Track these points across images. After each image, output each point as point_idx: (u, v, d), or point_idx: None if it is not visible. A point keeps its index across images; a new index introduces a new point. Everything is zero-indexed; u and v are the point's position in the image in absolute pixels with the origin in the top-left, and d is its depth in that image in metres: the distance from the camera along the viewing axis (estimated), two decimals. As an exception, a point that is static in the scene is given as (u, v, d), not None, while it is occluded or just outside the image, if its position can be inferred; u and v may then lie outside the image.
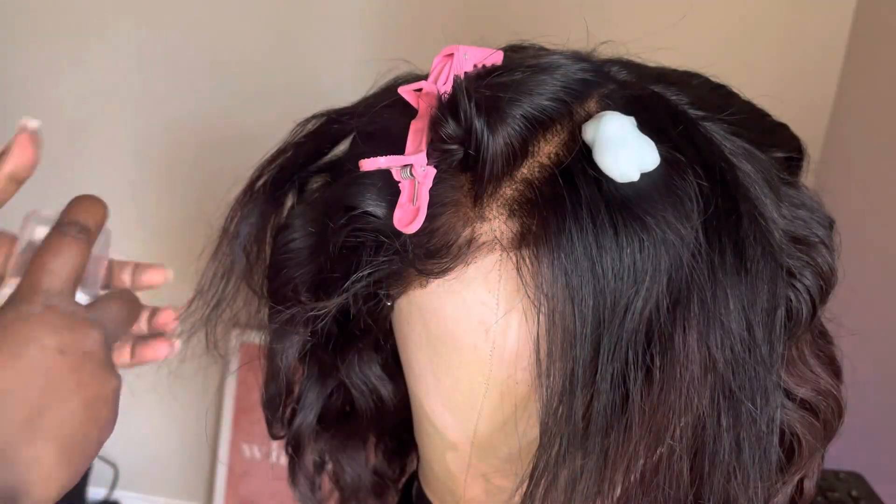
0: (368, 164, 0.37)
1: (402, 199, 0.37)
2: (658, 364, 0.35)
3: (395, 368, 0.48)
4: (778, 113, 0.44)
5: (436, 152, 0.37)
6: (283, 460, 0.54)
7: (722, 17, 1.14)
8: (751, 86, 0.45)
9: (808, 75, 1.13)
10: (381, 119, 0.40)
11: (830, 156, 1.10)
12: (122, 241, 1.60)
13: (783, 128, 0.43)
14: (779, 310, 0.37)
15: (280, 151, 0.45)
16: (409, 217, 0.37)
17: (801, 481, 0.44)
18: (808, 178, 0.43)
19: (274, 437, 0.52)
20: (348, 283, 0.39)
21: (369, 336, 0.46)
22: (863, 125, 1.08)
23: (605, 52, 0.43)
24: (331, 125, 0.44)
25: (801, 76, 1.13)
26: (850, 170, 1.08)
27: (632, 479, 0.37)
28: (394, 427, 0.53)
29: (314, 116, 0.45)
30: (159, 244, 1.38)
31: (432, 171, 0.37)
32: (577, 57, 0.41)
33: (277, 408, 0.51)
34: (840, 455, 0.76)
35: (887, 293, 0.97)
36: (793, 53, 1.14)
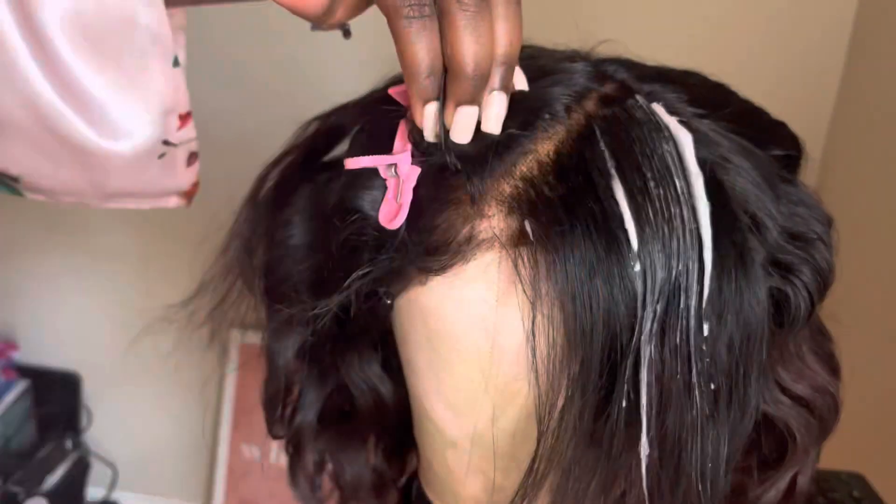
0: (353, 163, 0.38)
1: (388, 195, 0.38)
2: (645, 372, 0.35)
3: (394, 367, 0.48)
4: (778, 113, 0.44)
5: (419, 152, 0.37)
6: (283, 460, 0.54)
7: (722, 14, 1.14)
8: (751, 86, 0.45)
9: (809, 75, 1.13)
10: (375, 118, 0.41)
11: (831, 156, 1.10)
12: (123, 239, 1.61)
13: (782, 126, 0.43)
14: (758, 322, 0.37)
15: (284, 154, 0.46)
16: (392, 213, 0.38)
17: (794, 477, 0.44)
18: (808, 177, 0.44)
19: (274, 436, 0.52)
20: (348, 281, 0.39)
21: (369, 335, 0.46)
22: (863, 125, 1.08)
23: (605, 50, 0.43)
24: (332, 126, 0.44)
25: (801, 76, 1.13)
26: (851, 170, 1.08)
27: (616, 486, 0.37)
28: (394, 426, 0.53)
29: (316, 118, 0.45)
30: (161, 242, 1.38)
31: (416, 170, 0.37)
32: (577, 56, 0.41)
33: (277, 407, 0.51)
34: (840, 455, 0.76)
35: (887, 293, 0.97)
36: (793, 53, 1.14)
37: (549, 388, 0.37)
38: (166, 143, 0.43)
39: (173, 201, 0.48)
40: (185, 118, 0.43)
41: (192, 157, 0.46)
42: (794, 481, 0.44)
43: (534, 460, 0.37)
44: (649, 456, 0.36)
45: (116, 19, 0.38)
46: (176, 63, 0.41)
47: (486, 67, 0.34)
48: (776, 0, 1.13)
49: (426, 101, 0.35)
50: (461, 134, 0.36)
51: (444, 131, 0.36)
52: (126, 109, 0.40)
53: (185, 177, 0.46)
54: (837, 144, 1.11)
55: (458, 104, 0.35)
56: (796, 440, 0.42)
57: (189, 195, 0.48)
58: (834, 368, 0.44)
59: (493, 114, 0.36)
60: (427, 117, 0.35)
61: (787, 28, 1.13)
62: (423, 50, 0.33)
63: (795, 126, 0.44)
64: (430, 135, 0.36)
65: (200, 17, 1.34)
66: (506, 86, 0.36)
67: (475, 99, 0.35)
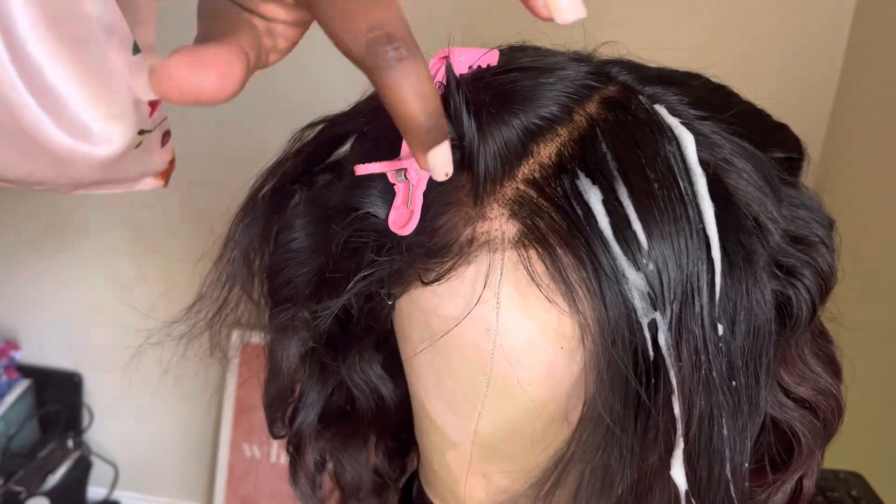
0: (363, 169, 0.38)
1: (397, 201, 0.38)
2: (653, 374, 0.36)
3: (395, 367, 0.48)
4: (778, 113, 0.44)
5: None
6: (283, 460, 0.54)
7: (722, 17, 1.14)
8: (751, 86, 0.45)
9: (809, 75, 1.13)
10: (378, 122, 0.40)
11: (830, 156, 1.11)
12: (125, 239, 1.61)
13: (783, 128, 0.43)
14: (766, 320, 0.38)
15: (281, 161, 0.46)
16: (403, 219, 0.37)
17: (800, 480, 0.44)
18: (808, 178, 0.44)
19: (275, 436, 0.52)
20: (351, 283, 0.39)
21: (370, 335, 0.46)
22: (863, 125, 1.08)
23: (606, 52, 0.43)
24: (330, 131, 0.44)
25: (801, 76, 1.13)
26: (850, 170, 1.08)
27: (621, 489, 0.38)
28: (394, 426, 0.53)
29: (312, 124, 0.45)
30: (162, 248, 1.38)
31: (426, 175, 0.37)
32: (578, 58, 0.41)
33: (279, 408, 0.51)
34: (839, 454, 0.76)
35: (886, 293, 0.97)
36: (793, 53, 1.14)
37: (555, 394, 0.37)
38: (142, 132, 0.41)
39: (149, 184, 0.46)
40: (154, 103, 0.41)
41: (166, 136, 0.44)
42: (800, 484, 0.44)
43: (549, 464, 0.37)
44: (682, 456, 0.37)
45: (70, 11, 0.34)
46: (136, 49, 0.38)
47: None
48: (775, 1, 1.13)
49: (430, 149, 0.30)
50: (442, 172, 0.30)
51: (460, 127, 0.35)
52: (98, 111, 0.37)
53: (161, 157, 0.44)
54: (836, 146, 1.11)
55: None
56: (801, 443, 0.42)
57: (166, 175, 0.47)
58: (836, 370, 0.44)
59: None
60: (435, 164, 0.30)
61: (785, 30, 1.13)
62: (414, 98, 0.28)
63: (793, 127, 0.44)
64: (441, 176, 0.30)
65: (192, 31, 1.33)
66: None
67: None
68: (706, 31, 1.14)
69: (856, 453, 0.85)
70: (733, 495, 0.38)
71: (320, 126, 0.45)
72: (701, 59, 0.47)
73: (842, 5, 1.10)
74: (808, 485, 0.44)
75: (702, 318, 0.35)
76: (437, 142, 0.30)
